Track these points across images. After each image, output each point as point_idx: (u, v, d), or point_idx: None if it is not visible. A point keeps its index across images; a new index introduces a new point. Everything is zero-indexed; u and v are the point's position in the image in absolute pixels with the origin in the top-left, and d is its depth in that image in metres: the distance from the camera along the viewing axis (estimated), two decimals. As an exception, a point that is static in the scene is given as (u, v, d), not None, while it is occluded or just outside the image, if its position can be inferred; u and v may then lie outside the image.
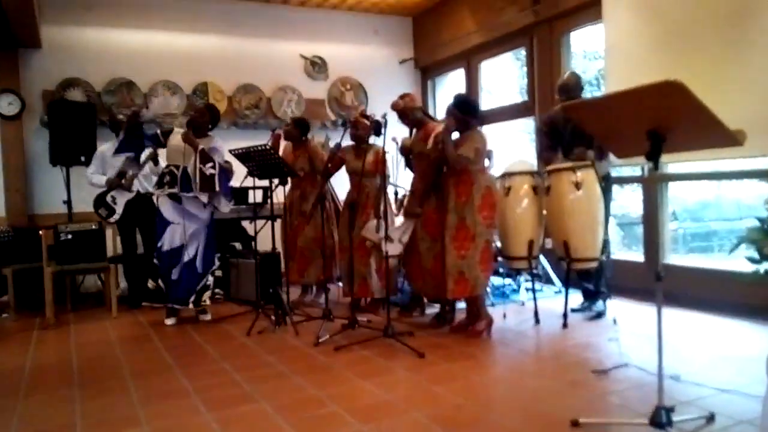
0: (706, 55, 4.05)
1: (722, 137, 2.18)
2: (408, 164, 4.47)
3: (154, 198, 4.75)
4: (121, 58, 6.30)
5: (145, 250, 5.29)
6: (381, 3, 7.18)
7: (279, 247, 4.82)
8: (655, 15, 4.48)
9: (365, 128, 4.66)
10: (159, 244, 4.55)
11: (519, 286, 5.20)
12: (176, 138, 4.60)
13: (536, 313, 4.28)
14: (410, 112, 4.36)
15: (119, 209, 5.18)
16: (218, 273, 5.00)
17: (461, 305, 4.35)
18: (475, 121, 4.00)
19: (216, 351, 3.84)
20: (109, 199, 5.18)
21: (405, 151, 4.40)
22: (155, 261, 4.62)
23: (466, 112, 3.95)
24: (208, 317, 4.71)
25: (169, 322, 4.61)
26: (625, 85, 2.31)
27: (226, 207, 4.73)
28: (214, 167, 4.53)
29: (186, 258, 4.56)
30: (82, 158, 5.50)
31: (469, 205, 3.86)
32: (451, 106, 3.98)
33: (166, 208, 4.56)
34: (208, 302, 4.75)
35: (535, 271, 4.57)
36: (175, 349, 3.93)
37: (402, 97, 4.43)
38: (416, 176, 4.36)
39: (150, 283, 4.68)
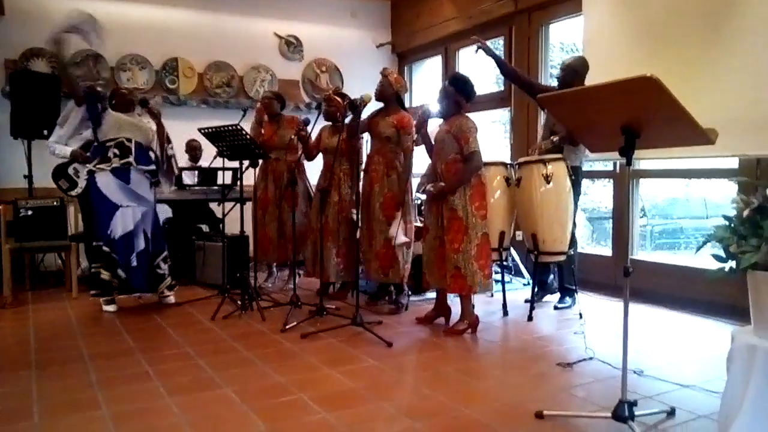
0: (682, 52, 4.09)
1: (695, 135, 2.18)
2: (353, 126, 4.26)
3: (92, 176, 4.34)
4: (89, 29, 6.08)
5: (85, 232, 4.98)
6: (359, -15, 7.09)
7: (248, 230, 4.74)
8: (633, 10, 4.50)
9: (338, 105, 4.58)
10: (108, 231, 4.24)
11: (488, 277, 5.21)
12: (117, 114, 4.35)
13: (504, 305, 4.30)
14: (389, 90, 4.32)
15: (81, 183, 4.98)
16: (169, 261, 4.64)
17: (432, 295, 4.36)
18: (468, 105, 3.84)
19: (179, 335, 3.77)
20: (71, 171, 4.99)
21: (361, 104, 3.98)
22: (105, 248, 4.25)
23: (463, 92, 3.78)
24: (172, 300, 4.60)
25: (110, 309, 4.37)
26: (601, 79, 2.31)
27: (168, 187, 4.63)
28: (173, 148, 4.50)
29: (143, 245, 4.35)
30: (45, 131, 5.30)
31: (460, 195, 3.72)
32: (448, 83, 3.83)
33: (112, 190, 4.26)
34: (166, 293, 4.54)
35: (505, 263, 4.59)
36: (136, 332, 3.84)
37: (396, 73, 4.47)
38: (374, 154, 4.39)
39: (104, 274, 4.29)
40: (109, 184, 4.29)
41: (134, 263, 4.32)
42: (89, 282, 4.47)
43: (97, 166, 4.30)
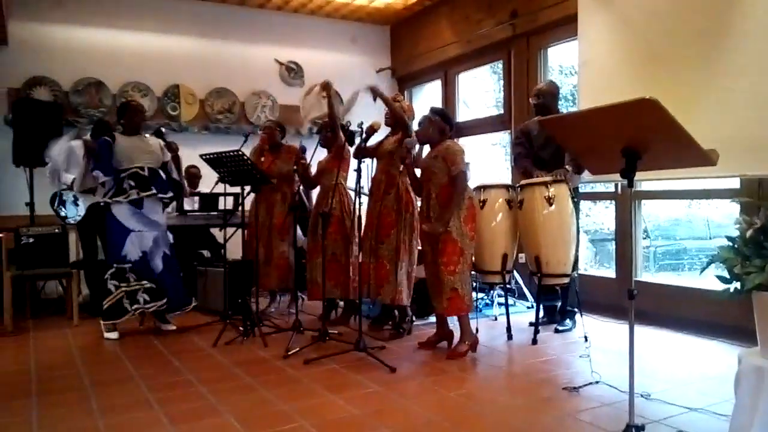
0: (679, 74, 4.10)
1: (696, 156, 2.18)
2: (359, 150, 4.17)
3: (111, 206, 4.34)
4: (91, 57, 6.16)
5: (85, 259, 5.02)
6: (359, 11, 7.16)
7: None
8: (629, 33, 4.53)
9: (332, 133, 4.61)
10: (122, 254, 4.27)
11: (492, 301, 5.19)
12: (126, 139, 4.35)
13: (509, 329, 4.26)
14: (399, 115, 4.30)
15: (81, 211, 4.98)
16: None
17: (432, 319, 4.33)
18: (451, 133, 3.97)
19: (180, 362, 3.73)
20: (71, 198, 5.00)
21: (370, 131, 4.12)
22: (124, 266, 4.28)
23: (446, 120, 3.94)
24: (173, 327, 4.56)
25: (113, 336, 4.32)
26: (597, 102, 2.31)
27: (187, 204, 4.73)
28: (180, 170, 4.58)
29: (160, 267, 4.38)
30: (47, 159, 5.33)
31: (455, 218, 3.73)
32: (431, 113, 3.95)
33: (125, 216, 4.30)
34: (169, 318, 4.58)
35: (508, 286, 4.57)
36: (137, 360, 3.81)
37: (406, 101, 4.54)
38: (378, 174, 4.37)
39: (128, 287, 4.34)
40: (122, 211, 4.30)
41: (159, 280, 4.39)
42: (106, 311, 4.33)
43: (114, 198, 4.28)
